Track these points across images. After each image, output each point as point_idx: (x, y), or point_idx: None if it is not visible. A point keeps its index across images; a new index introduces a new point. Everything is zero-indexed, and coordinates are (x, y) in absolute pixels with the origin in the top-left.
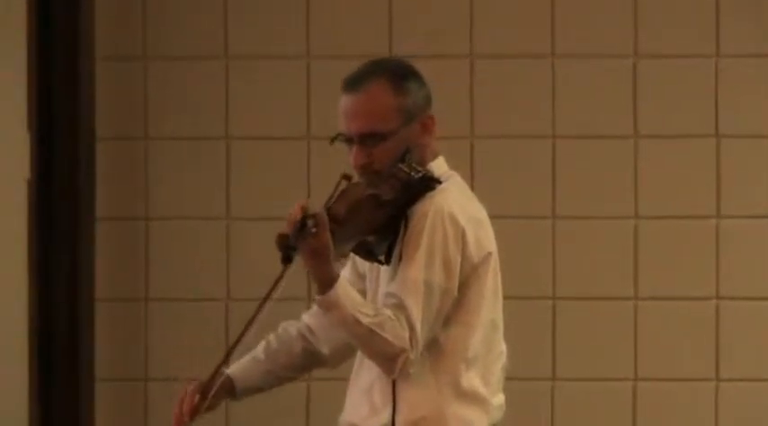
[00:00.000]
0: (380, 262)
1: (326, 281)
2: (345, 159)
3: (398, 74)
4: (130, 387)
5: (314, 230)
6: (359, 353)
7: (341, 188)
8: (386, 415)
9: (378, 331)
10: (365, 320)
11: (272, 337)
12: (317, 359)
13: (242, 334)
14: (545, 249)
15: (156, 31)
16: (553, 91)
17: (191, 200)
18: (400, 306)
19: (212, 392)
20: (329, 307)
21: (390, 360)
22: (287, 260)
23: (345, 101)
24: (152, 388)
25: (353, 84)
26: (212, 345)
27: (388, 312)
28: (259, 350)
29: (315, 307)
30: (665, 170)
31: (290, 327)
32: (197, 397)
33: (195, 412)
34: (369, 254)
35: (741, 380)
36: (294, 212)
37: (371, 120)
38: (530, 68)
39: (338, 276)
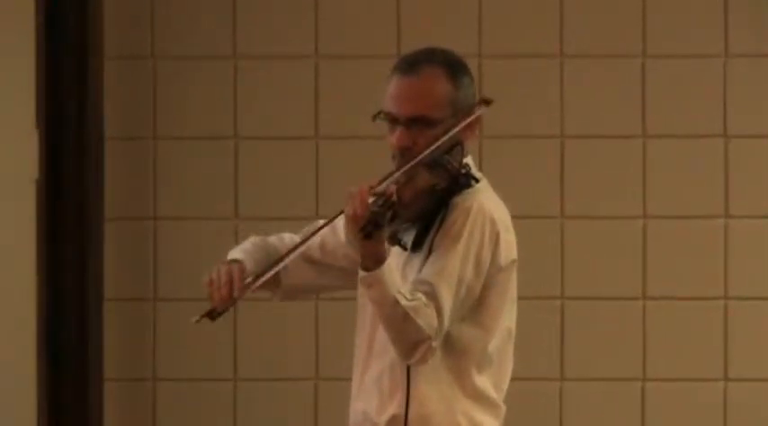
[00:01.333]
0: (404, 248)
1: (379, 258)
2: (352, 160)
3: (455, 65)
4: (139, 387)
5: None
6: (363, 343)
7: (402, 170)
8: (396, 405)
9: (412, 315)
10: (403, 302)
11: (260, 239)
12: (275, 284)
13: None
14: (553, 249)
15: (165, 30)
16: (561, 91)
17: (199, 200)
18: (432, 295)
19: (267, 276)
20: (373, 284)
21: (413, 346)
22: (369, 237)
23: (400, 82)
24: (161, 388)
25: (411, 66)
26: (221, 345)
27: (424, 298)
28: (251, 247)
29: (290, 240)
30: (673, 170)
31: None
32: (248, 279)
33: (244, 291)
34: (393, 238)
35: (749, 380)
36: (362, 189)
37: (425, 105)
38: (538, 68)
39: (388, 255)
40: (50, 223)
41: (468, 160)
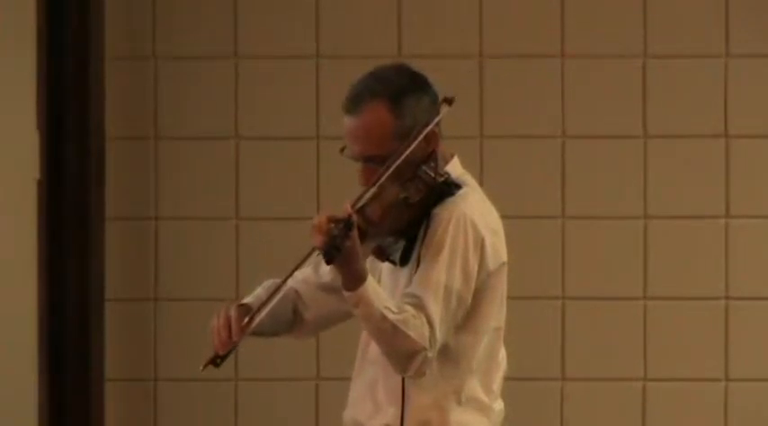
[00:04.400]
0: (393, 263)
1: (359, 278)
2: (352, 160)
3: (397, 92)
4: (140, 387)
5: (353, 231)
6: (360, 347)
7: (371, 191)
8: (391, 414)
9: (402, 328)
10: (390, 316)
11: (272, 282)
12: (299, 323)
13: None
14: (554, 249)
15: (166, 30)
16: (562, 91)
17: (200, 200)
18: (420, 306)
19: (259, 318)
20: (358, 303)
21: (408, 359)
22: (330, 261)
23: (347, 121)
24: (161, 388)
25: (352, 105)
26: None
27: (411, 310)
28: (262, 291)
29: (301, 275)
30: (674, 170)
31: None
32: (245, 320)
33: (242, 332)
34: (382, 254)
35: (750, 380)
36: (321, 220)
37: (369, 145)
38: (539, 68)
39: (368, 273)
40: (51, 223)
41: (454, 162)
